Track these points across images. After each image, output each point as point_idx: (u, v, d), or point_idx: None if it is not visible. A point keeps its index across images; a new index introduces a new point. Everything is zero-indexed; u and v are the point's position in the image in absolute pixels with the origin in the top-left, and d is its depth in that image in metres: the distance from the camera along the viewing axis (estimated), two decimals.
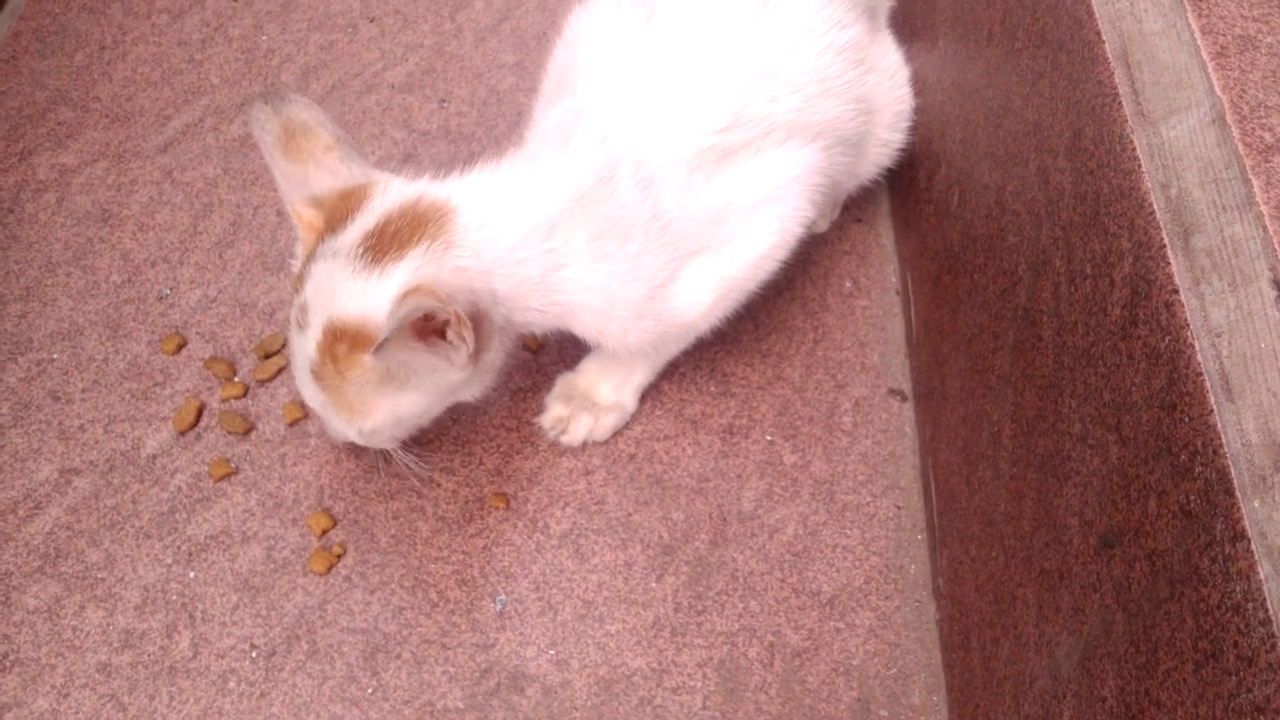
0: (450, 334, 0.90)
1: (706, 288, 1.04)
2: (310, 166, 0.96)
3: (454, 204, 0.95)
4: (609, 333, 1.03)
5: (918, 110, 1.22)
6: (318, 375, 0.95)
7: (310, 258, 0.95)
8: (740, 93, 1.00)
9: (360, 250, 0.92)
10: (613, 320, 1.01)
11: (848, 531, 1.10)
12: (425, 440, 1.14)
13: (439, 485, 1.13)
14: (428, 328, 0.90)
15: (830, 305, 1.28)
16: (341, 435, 1.01)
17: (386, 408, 0.97)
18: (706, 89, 1.00)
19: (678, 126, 0.99)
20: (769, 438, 1.17)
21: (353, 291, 0.91)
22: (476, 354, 0.94)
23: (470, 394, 1.02)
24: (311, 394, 0.98)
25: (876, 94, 1.16)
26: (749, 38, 1.02)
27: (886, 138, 1.21)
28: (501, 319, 0.97)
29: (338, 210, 0.95)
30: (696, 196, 1.00)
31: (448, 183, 0.98)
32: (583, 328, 1.03)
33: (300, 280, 0.95)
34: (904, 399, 1.20)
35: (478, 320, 0.93)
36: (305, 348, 0.94)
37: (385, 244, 0.92)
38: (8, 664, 1.02)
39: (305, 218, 0.96)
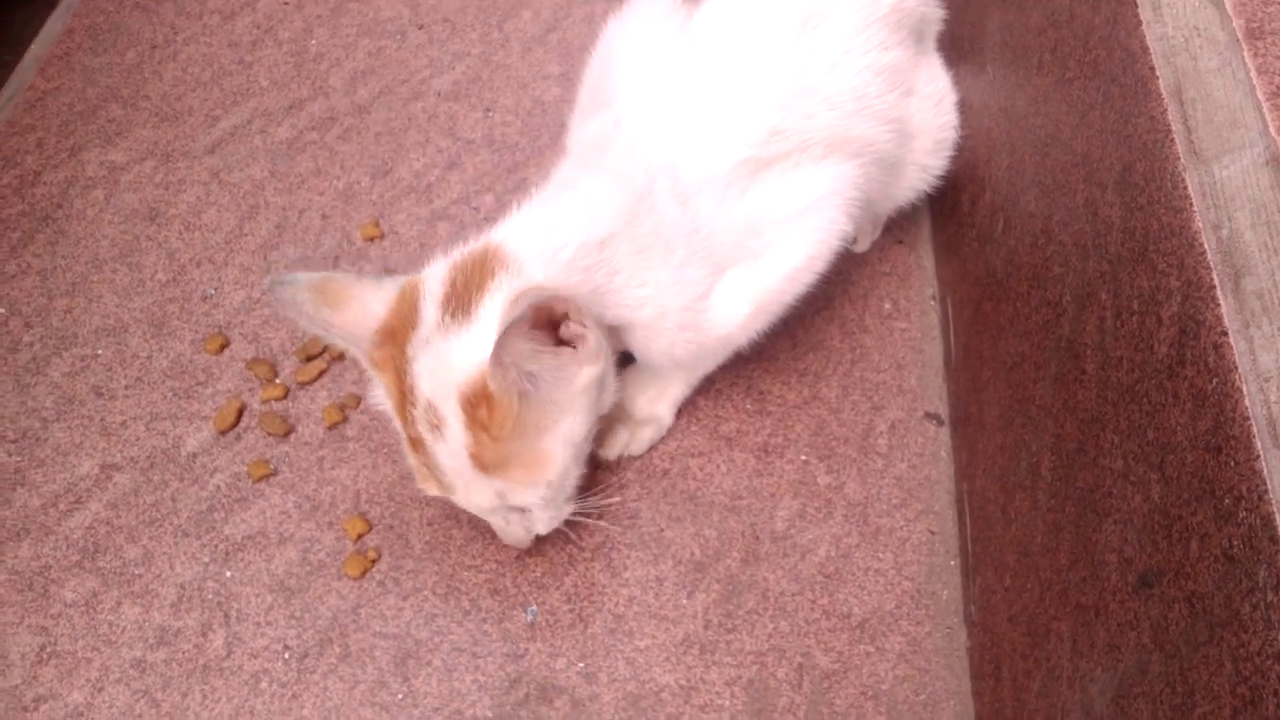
0: (573, 325, 0.90)
1: (744, 299, 1.05)
2: (355, 302, 0.94)
3: (499, 242, 0.94)
4: (656, 346, 1.04)
5: (964, 134, 1.22)
6: (479, 459, 0.92)
7: (405, 369, 0.92)
8: (776, 109, 1.01)
9: (446, 318, 0.91)
10: (660, 333, 1.02)
11: (880, 555, 1.10)
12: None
13: None
14: (547, 332, 0.89)
15: (869, 326, 1.28)
16: (526, 530, 1.00)
17: (558, 443, 0.95)
18: (743, 105, 1.01)
19: (714, 142, 1.00)
20: (804, 457, 1.17)
21: (461, 349, 0.90)
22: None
23: (608, 399, 1.01)
24: (484, 493, 0.95)
25: (917, 118, 1.16)
26: (788, 55, 1.03)
27: (926, 163, 1.21)
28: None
29: (402, 312, 0.93)
30: (732, 209, 1.01)
31: (486, 235, 0.97)
32: (634, 340, 1.04)
33: (409, 396, 0.92)
34: (940, 423, 1.19)
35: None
36: (455, 442, 0.92)
37: (463, 295, 0.91)
38: (45, 656, 1.04)
39: (379, 358, 0.94)
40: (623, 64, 1.08)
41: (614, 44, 1.11)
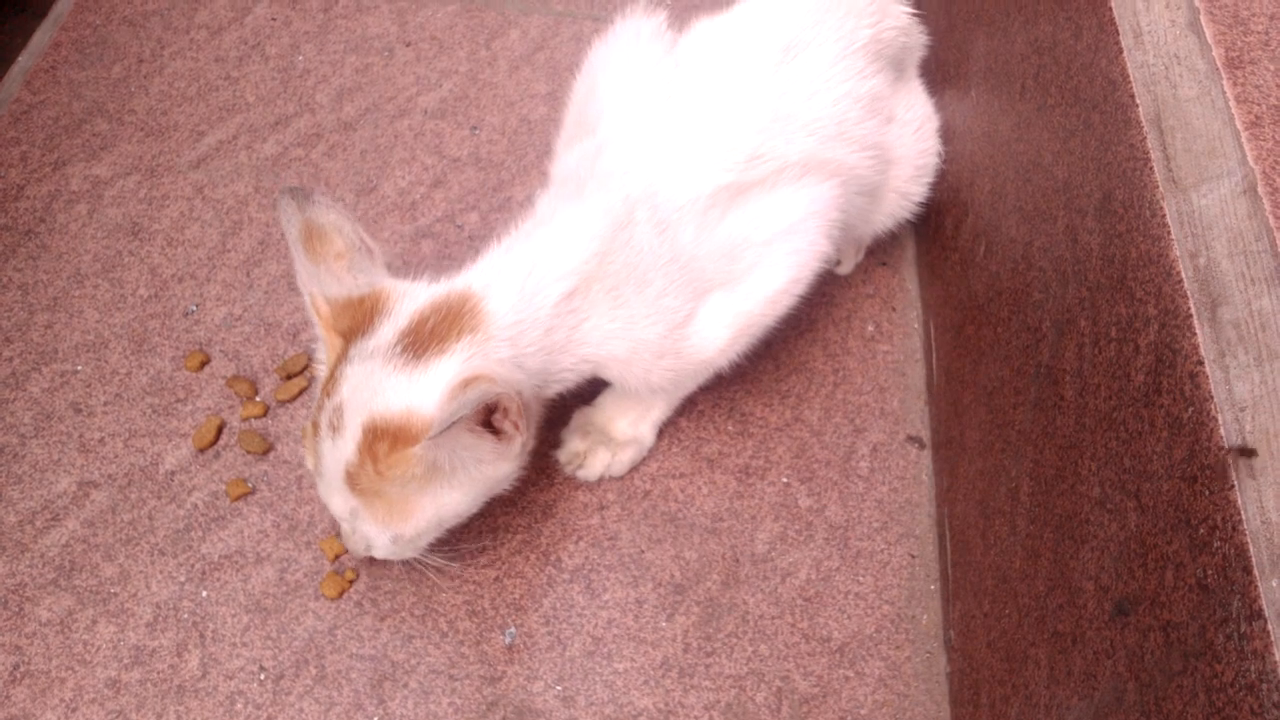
0: (507, 424, 0.91)
1: (724, 324, 1.04)
2: (322, 269, 0.96)
3: (478, 293, 0.95)
4: (633, 374, 1.03)
5: (947, 157, 1.22)
6: (353, 479, 0.92)
7: (341, 362, 0.93)
8: (756, 134, 1.01)
9: (398, 348, 0.91)
10: (635, 363, 1.02)
11: (860, 578, 1.10)
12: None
13: None
14: (483, 420, 0.90)
15: (851, 348, 1.27)
16: (365, 547, 0.97)
17: (429, 509, 0.95)
18: (724, 131, 1.01)
19: (694, 168, 1.00)
20: (785, 480, 1.16)
21: (396, 387, 0.90)
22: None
23: (508, 485, 1.01)
24: (341, 502, 0.95)
25: (896, 145, 1.16)
26: (768, 84, 1.03)
27: (906, 189, 1.21)
28: (534, 396, 0.98)
29: (360, 315, 0.94)
30: (712, 234, 1.01)
31: (468, 273, 0.98)
32: (609, 373, 1.04)
33: (331, 384, 0.93)
34: (922, 447, 1.19)
35: (523, 409, 0.94)
36: (341, 451, 0.92)
37: (424, 340, 0.91)
38: (18, 675, 1.03)
39: (324, 313, 0.95)
40: (607, 90, 1.08)
41: (598, 69, 1.11)
